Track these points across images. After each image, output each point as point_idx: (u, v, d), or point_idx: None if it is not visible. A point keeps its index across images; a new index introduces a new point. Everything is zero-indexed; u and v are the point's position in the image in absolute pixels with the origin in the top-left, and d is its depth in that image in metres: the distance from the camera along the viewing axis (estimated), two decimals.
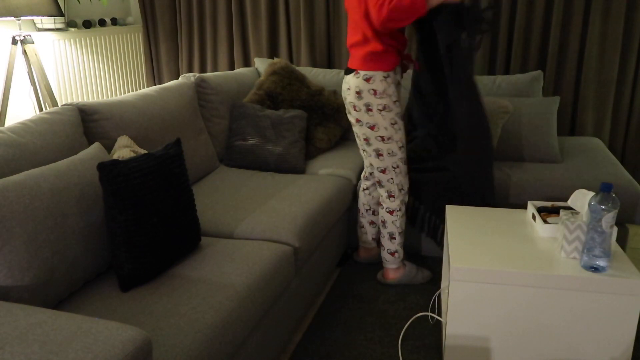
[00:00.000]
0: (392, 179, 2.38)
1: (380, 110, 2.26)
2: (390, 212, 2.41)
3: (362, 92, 2.25)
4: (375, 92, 2.24)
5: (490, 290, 1.73)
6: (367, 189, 2.60)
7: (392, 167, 2.35)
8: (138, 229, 1.62)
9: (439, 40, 2.28)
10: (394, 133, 2.30)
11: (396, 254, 2.47)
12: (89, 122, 2.11)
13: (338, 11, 3.53)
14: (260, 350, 1.79)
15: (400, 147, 2.33)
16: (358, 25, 2.23)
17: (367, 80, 2.24)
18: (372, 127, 2.29)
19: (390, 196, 2.40)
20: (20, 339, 1.13)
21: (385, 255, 2.48)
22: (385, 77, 2.24)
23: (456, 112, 2.34)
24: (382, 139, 2.30)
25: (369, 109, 2.26)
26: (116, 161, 1.61)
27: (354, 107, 2.29)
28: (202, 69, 3.97)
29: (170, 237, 1.72)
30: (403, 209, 2.43)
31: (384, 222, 2.44)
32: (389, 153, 2.32)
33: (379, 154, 2.33)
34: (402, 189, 2.40)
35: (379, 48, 2.22)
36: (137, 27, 4.00)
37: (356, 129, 2.35)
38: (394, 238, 2.44)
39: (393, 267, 2.49)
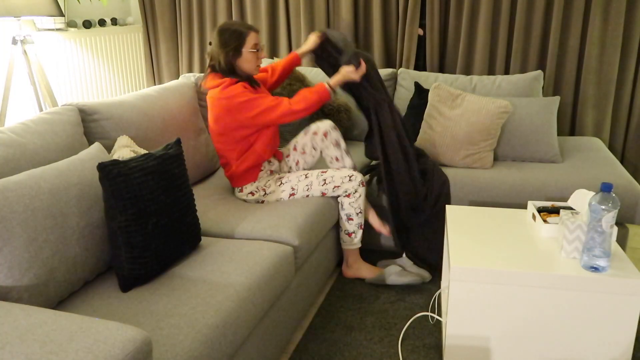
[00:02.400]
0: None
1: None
2: (347, 195, 2.44)
3: None
4: None
5: (490, 290, 1.73)
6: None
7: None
8: (138, 229, 1.62)
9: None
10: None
11: (353, 235, 2.49)
12: (89, 122, 2.11)
13: (338, 11, 3.53)
14: (260, 350, 1.79)
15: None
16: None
17: None
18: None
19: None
20: (20, 339, 1.13)
21: (343, 235, 2.54)
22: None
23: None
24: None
25: None
26: (116, 161, 1.61)
27: None
28: (202, 69, 3.97)
29: (170, 237, 1.72)
30: (360, 190, 2.44)
31: (341, 204, 2.48)
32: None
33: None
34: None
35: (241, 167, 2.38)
36: (137, 27, 4.00)
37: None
38: (351, 219, 2.47)
39: (351, 249, 2.53)
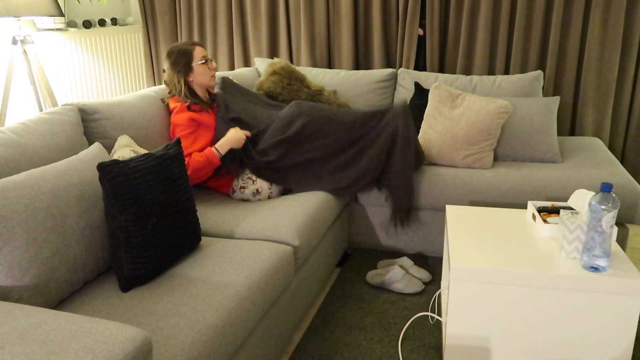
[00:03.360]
0: None
1: None
2: None
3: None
4: None
5: (490, 290, 1.73)
6: None
7: None
8: (138, 229, 1.62)
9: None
10: None
11: None
12: (89, 122, 2.11)
13: (338, 11, 3.53)
14: (260, 350, 1.79)
15: None
16: None
17: None
18: None
19: None
20: (20, 339, 1.13)
21: None
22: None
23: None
24: None
25: None
26: (116, 161, 1.61)
27: None
28: None
29: (170, 237, 1.72)
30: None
31: None
32: None
33: None
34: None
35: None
36: (137, 27, 4.00)
37: None
38: None
39: None
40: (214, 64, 2.51)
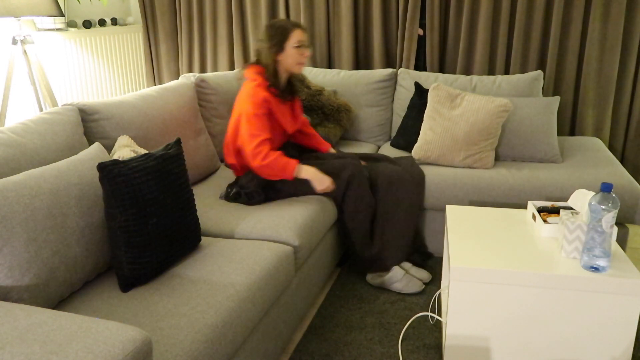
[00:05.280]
0: None
1: None
2: None
3: None
4: None
5: (490, 290, 1.73)
6: None
7: None
8: (138, 229, 1.62)
9: None
10: None
11: None
12: (89, 122, 2.11)
13: (338, 11, 3.53)
14: (260, 350, 1.79)
15: None
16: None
17: None
18: None
19: None
20: (20, 339, 1.13)
21: None
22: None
23: None
24: None
25: None
26: (116, 161, 1.61)
27: None
28: (202, 69, 3.97)
29: (170, 237, 1.72)
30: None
31: None
32: None
33: None
34: None
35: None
36: (137, 27, 4.00)
37: None
38: None
39: None
40: (308, 51, 2.38)
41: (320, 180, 2.33)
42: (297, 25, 2.34)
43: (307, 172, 2.32)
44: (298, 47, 2.34)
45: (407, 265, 2.54)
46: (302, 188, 2.37)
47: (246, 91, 2.31)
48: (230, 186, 2.40)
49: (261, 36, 2.38)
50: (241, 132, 2.30)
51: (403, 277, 2.44)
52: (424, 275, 2.52)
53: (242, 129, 2.28)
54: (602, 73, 3.22)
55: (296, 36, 2.33)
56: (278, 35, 2.32)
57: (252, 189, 2.32)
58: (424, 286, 2.46)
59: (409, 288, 2.42)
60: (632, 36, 3.15)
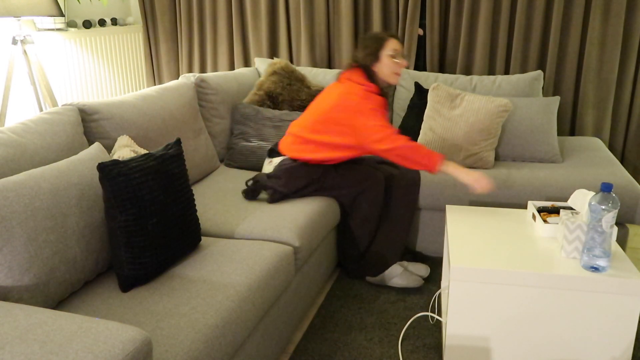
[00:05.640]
0: None
1: None
2: None
3: None
4: None
5: (490, 290, 1.73)
6: None
7: None
8: (138, 229, 1.62)
9: None
10: None
11: None
12: (89, 122, 2.11)
13: (338, 11, 3.53)
14: (260, 350, 1.79)
15: None
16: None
17: None
18: None
19: None
20: (20, 339, 1.13)
21: None
22: None
23: None
24: None
25: None
26: (116, 161, 1.61)
27: None
28: (202, 69, 3.97)
29: (170, 237, 1.72)
30: None
31: None
32: None
33: None
34: None
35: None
36: (137, 27, 4.00)
37: None
38: None
39: None
40: (404, 62, 2.39)
41: (478, 180, 2.19)
42: (392, 35, 2.37)
43: (458, 169, 2.22)
44: (392, 55, 2.34)
45: (403, 264, 2.54)
46: (347, 183, 2.39)
47: (359, 96, 2.27)
48: (254, 183, 2.40)
49: (359, 46, 2.39)
50: (359, 125, 2.26)
51: (402, 273, 2.44)
52: (422, 270, 2.52)
53: (360, 122, 2.25)
54: (602, 73, 3.22)
55: (391, 45, 2.34)
56: (373, 43, 2.34)
57: (279, 186, 2.33)
58: (423, 281, 2.46)
59: (408, 283, 2.42)
60: (632, 36, 3.15)
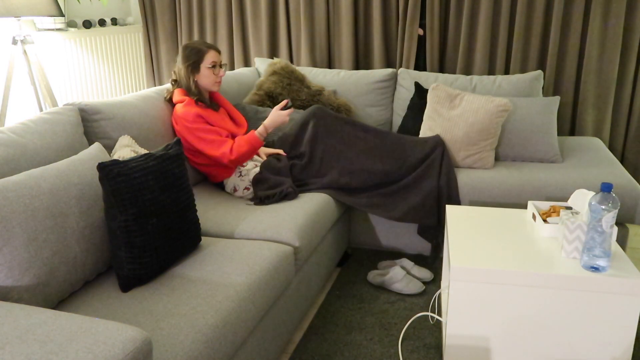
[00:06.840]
0: None
1: None
2: None
3: None
4: None
5: (490, 290, 1.73)
6: None
7: None
8: (138, 229, 1.62)
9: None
10: None
11: None
12: (89, 122, 2.11)
13: (338, 11, 3.53)
14: (261, 350, 1.79)
15: None
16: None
17: None
18: None
19: None
20: (20, 339, 1.13)
21: None
22: None
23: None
24: None
25: None
26: (116, 161, 1.61)
27: None
28: None
29: (171, 237, 1.72)
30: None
31: None
32: None
33: None
34: None
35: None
36: (137, 27, 4.00)
37: None
38: None
39: None
40: (222, 71, 2.52)
41: (278, 116, 2.43)
42: (210, 47, 2.49)
43: (269, 125, 2.43)
44: (211, 67, 2.46)
45: (409, 264, 2.55)
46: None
47: (178, 114, 2.41)
48: (258, 189, 2.43)
49: (178, 58, 2.50)
50: (198, 148, 2.40)
51: (403, 278, 2.44)
52: (426, 274, 2.52)
53: (197, 146, 2.39)
54: (602, 73, 3.22)
55: (210, 57, 2.46)
56: (192, 55, 2.47)
57: (287, 187, 2.38)
58: (424, 287, 2.46)
59: (409, 289, 2.42)
60: (632, 36, 3.15)
